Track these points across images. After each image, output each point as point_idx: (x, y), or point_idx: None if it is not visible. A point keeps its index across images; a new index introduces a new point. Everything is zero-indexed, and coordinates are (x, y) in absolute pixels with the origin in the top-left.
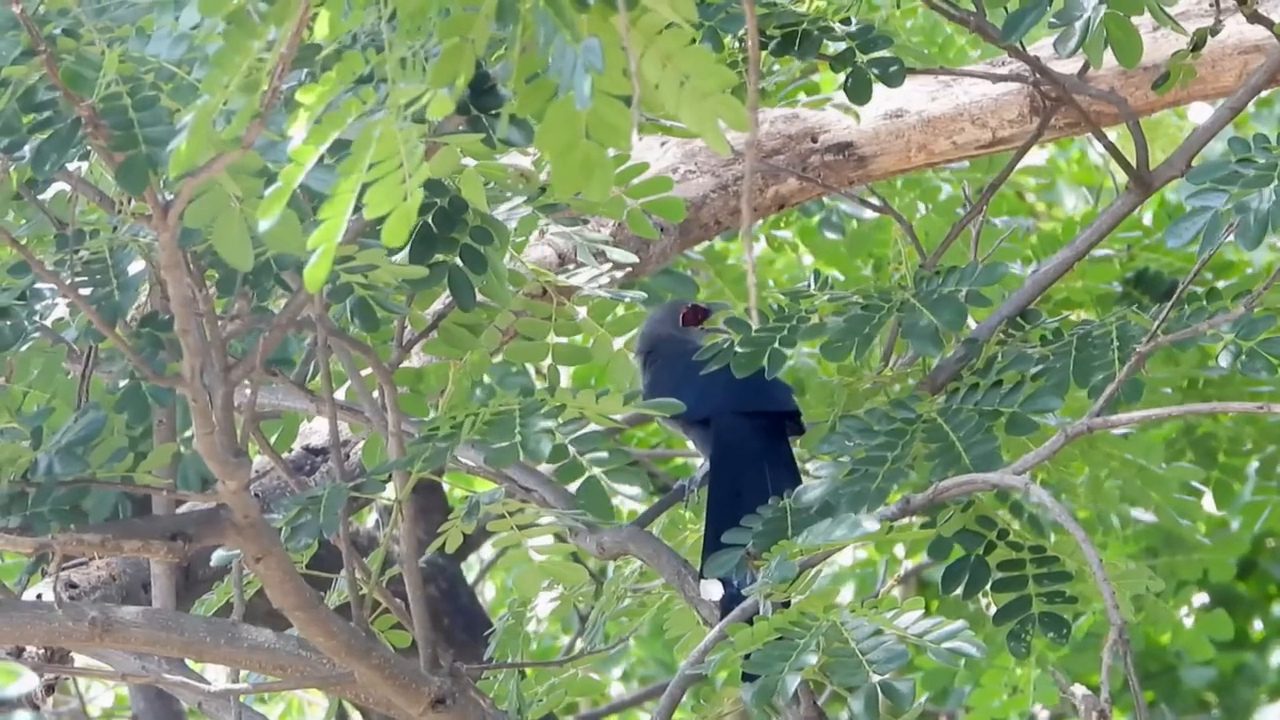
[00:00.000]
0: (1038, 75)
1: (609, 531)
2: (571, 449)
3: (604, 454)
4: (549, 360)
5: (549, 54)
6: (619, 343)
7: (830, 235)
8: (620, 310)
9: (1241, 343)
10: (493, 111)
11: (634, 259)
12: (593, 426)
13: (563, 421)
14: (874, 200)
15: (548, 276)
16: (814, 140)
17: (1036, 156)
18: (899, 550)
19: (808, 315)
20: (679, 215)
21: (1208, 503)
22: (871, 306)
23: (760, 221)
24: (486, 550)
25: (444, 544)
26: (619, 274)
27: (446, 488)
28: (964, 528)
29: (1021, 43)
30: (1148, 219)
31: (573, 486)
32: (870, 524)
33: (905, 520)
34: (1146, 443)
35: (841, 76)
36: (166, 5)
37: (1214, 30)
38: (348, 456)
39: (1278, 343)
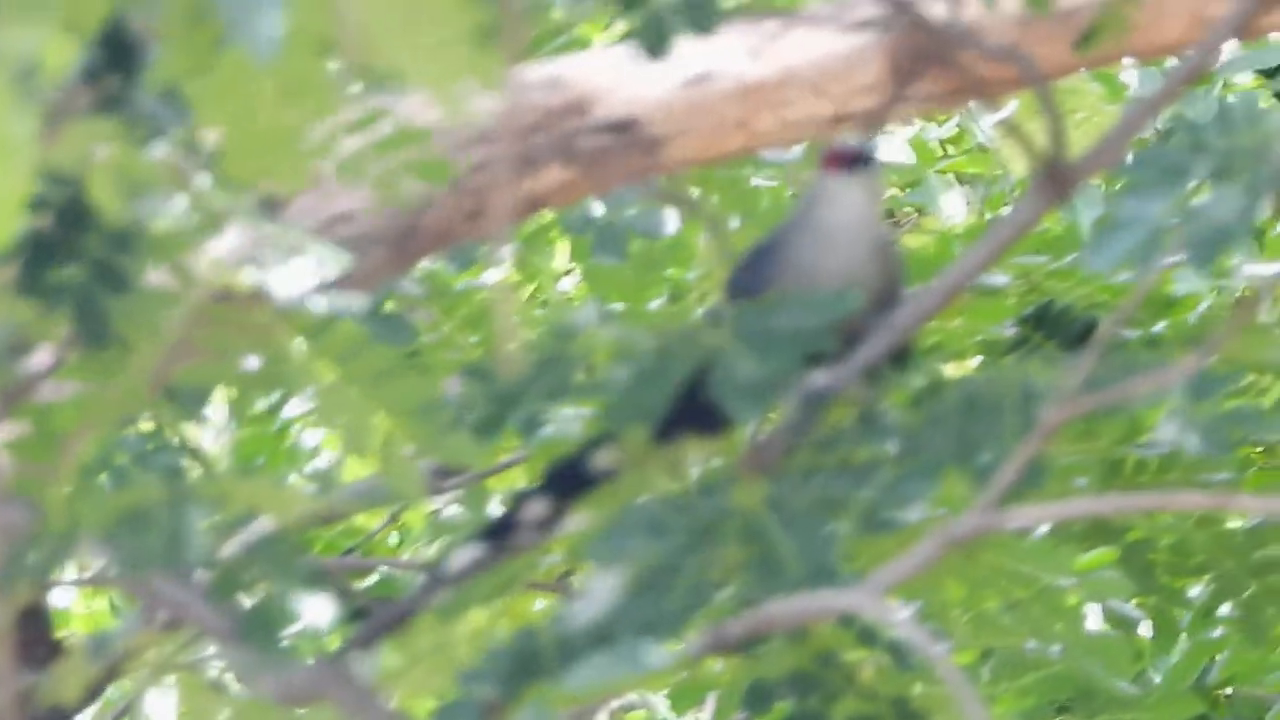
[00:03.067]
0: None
1: (299, 671)
2: (234, 554)
3: (281, 561)
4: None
5: None
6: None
7: (608, 259)
8: (335, 328)
9: (1195, 407)
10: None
11: (344, 255)
12: (269, 523)
13: (226, 516)
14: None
15: (230, 276)
16: (583, 114)
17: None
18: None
19: (580, 363)
20: (443, 176)
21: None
22: (670, 351)
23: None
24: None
25: (57, 693)
26: (329, 275)
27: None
28: (797, 668)
29: None
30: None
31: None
32: (658, 656)
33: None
34: (1049, 552)
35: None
36: None
37: None
38: None
39: (1247, 412)
